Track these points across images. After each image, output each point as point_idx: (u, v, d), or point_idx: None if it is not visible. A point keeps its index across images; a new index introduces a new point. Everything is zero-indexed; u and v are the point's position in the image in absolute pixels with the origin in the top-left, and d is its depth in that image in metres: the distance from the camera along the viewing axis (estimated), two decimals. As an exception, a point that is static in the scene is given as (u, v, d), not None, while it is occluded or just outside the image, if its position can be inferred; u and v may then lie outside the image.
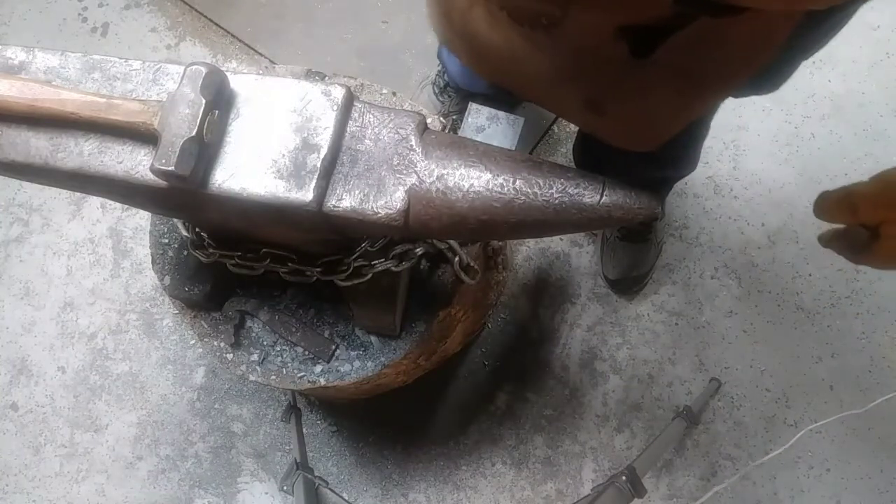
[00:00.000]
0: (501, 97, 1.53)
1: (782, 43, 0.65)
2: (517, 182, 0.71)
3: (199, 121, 0.69)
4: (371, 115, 0.76)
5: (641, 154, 1.01)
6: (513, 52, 0.72)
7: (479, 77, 1.36)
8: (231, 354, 1.08)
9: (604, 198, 0.70)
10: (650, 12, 0.59)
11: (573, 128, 1.70)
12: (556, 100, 0.78)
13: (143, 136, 0.74)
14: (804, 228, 1.59)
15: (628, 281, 1.58)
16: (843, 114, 1.66)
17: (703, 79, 0.67)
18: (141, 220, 1.77)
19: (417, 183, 0.73)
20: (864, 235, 0.62)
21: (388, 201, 0.73)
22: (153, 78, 0.78)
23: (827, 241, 0.68)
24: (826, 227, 0.66)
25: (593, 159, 1.29)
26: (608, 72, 0.67)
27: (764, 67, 0.67)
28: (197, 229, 0.96)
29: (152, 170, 0.70)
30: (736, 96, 0.92)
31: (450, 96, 1.64)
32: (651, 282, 1.61)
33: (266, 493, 1.59)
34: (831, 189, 0.63)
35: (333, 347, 1.05)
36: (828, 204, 0.63)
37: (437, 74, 1.67)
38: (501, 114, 1.49)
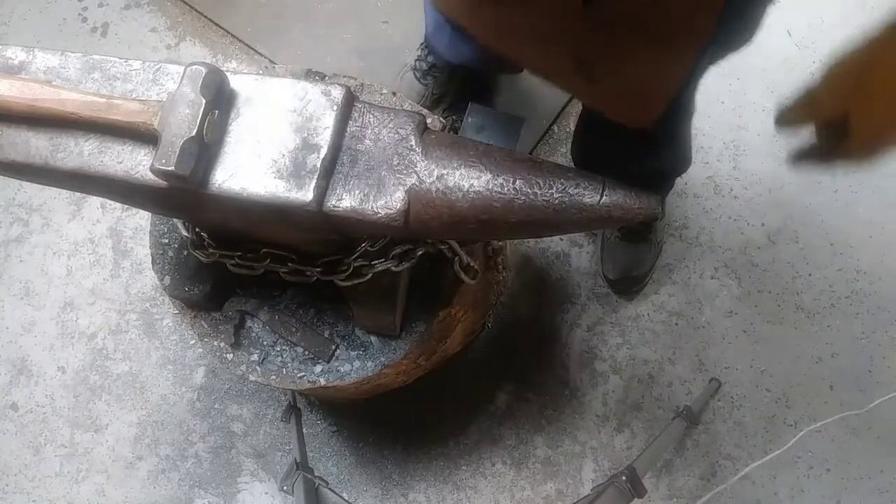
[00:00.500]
0: (490, 67, 1.54)
1: None
2: (517, 182, 0.71)
3: (199, 121, 0.70)
4: (371, 115, 0.76)
5: (636, 148, 1.01)
6: (499, 26, 0.73)
7: (466, 48, 1.37)
8: (231, 354, 1.08)
9: (604, 198, 0.70)
10: None
11: (573, 127, 1.70)
12: (549, 62, 0.79)
13: (143, 136, 0.74)
14: (804, 228, 1.59)
15: (628, 281, 1.58)
16: (843, 114, 1.66)
17: (660, 30, 0.66)
18: (141, 220, 1.77)
19: (417, 183, 0.73)
20: (833, 133, 0.59)
21: (388, 201, 0.73)
22: (153, 78, 0.78)
23: (797, 158, 0.66)
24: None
25: (591, 156, 1.29)
26: (579, 29, 0.67)
27: (721, 14, 0.66)
28: (197, 229, 0.96)
29: (152, 170, 0.70)
30: (715, 58, 0.92)
31: (434, 77, 1.64)
32: (651, 282, 1.61)
33: (266, 493, 1.59)
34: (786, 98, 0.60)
35: (333, 347, 1.05)
36: (789, 108, 0.61)
37: (416, 59, 1.67)
38: (501, 114, 1.49)
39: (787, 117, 0.62)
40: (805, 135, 0.63)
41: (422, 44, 1.64)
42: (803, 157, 0.65)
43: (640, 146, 1.04)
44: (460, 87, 1.64)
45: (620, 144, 1.03)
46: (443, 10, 0.91)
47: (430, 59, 1.62)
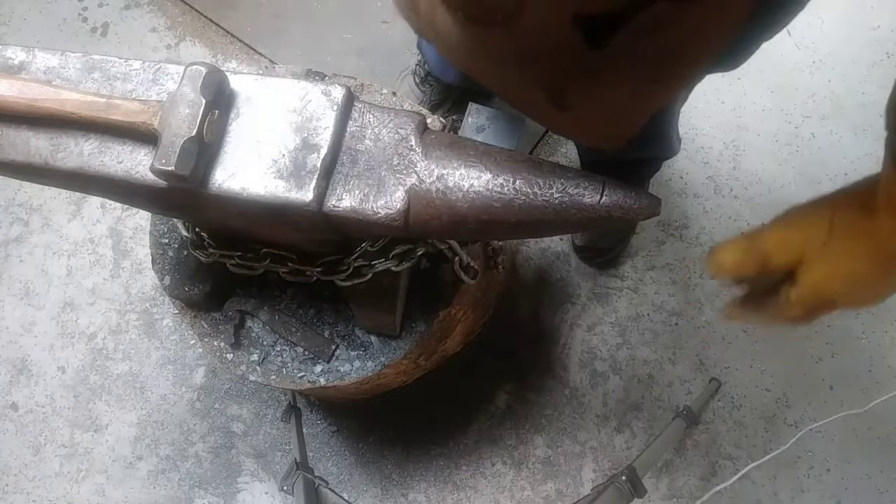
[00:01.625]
0: (476, 87, 1.54)
1: (743, 22, 0.63)
2: (517, 182, 0.71)
3: (199, 121, 0.69)
4: (371, 115, 0.76)
5: (645, 144, 1.01)
6: (475, 50, 0.72)
7: (451, 68, 1.36)
8: (231, 354, 1.08)
9: (604, 198, 0.70)
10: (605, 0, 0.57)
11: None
12: (521, 96, 0.77)
13: (143, 136, 0.74)
14: (804, 228, 1.59)
15: (593, 250, 1.61)
16: (843, 114, 1.66)
17: (662, 66, 0.66)
18: (141, 220, 1.77)
19: (417, 183, 0.73)
20: (775, 285, 0.57)
21: (388, 201, 0.73)
22: (153, 78, 0.78)
23: (736, 310, 0.62)
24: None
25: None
26: (567, 64, 0.66)
27: (724, 50, 0.65)
28: (197, 229, 0.96)
29: (152, 170, 0.70)
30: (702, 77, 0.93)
31: (430, 85, 1.64)
32: (651, 281, 1.61)
33: (266, 493, 1.59)
34: (719, 244, 0.58)
35: (333, 347, 1.05)
36: (731, 254, 0.58)
37: (416, 64, 1.67)
38: (501, 114, 1.49)
39: (730, 265, 0.59)
40: (738, 285, 0.61)
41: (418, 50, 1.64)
42: (744, 309, 0.62)
43: None
44: (458, 94, 1.64)
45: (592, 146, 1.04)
46: (412, 24, 0.86)
47: (426, 66, 1.62)
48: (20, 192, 1.83)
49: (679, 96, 0.95)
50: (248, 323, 1.09)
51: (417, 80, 1.66)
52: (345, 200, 0.73)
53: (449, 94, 1.64)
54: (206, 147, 0.71)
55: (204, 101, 0.70)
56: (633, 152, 1.27)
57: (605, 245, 1.60)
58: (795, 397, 1.54)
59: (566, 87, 0.70)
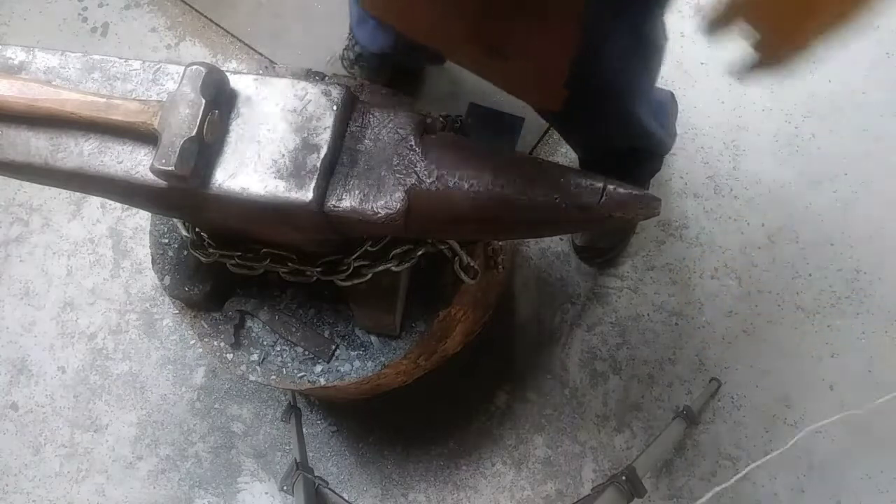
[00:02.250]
0: (411, 57, 1.60)
1: None
2: (517, 182, 0.71)
3: (199, 121, 0.70)
4: (371, 116, 0.77)
5: (613, 128, 1.13)
6: (424, 16, 0.88)
7: (385, 39, 1.46)
8: (231, 354, 1.08)
9: (604, 198, 0.70)
10: None
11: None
12: (466, 52, 0.95)
13: (143, 136, 0.74)
14: (804, 228, 1.59)
15: (593, 250, 1.61)
16: (843, 114, 1.66)
17: (535, 6, 0.79)
18: (141, 220, 1.77)
19: (417, 183, 0.73)
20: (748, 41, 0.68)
21: (387, 201, 0.73)
22: (153, 78, 0.78)
23: (736, 70, 0.75)
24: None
25: (573, 129, 1.32)
26: (478, 19, 0.83)
27: None
28: (197, 229, 0.96)
29: (152, 170, 0.70)
30: (619, 25, 0.97)
31: (361, 66, 1.66)
32: (651, 281, 1.61)
33: (266, 493, 1.59)
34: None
35: (333, 347, 1.05)
36: (707, 18, 0.71)
37: (345, 48, 1.69)
38: (502, 114, 1.49)
39: (708, 26, 0.70)
40: (738, 47, 0.70)
41: (349, 34, 1.65)
42: (740, 68, 0.73)
43: (598, 125, 1.15)
44: (388, 78, 1.65)
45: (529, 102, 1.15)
46: (378, 15, 1.07)
47: (356, 48, 1.63)
48: (20, 192, 1.83)
49: (601, 53, 0.98)
50: (248, 323, 1.09)
51: (346, 64, 1.68)
52: (345, 200, 0.73)
53: (379, 75, 1.66)
54: (206, 147, 0.72)
55: (204, 101, 0.70)
56: (624, 140, 1.27)
57: (605, 245, 1.61)
58: (795, 397, 1.54)
59: (493, 43, 0.86)
